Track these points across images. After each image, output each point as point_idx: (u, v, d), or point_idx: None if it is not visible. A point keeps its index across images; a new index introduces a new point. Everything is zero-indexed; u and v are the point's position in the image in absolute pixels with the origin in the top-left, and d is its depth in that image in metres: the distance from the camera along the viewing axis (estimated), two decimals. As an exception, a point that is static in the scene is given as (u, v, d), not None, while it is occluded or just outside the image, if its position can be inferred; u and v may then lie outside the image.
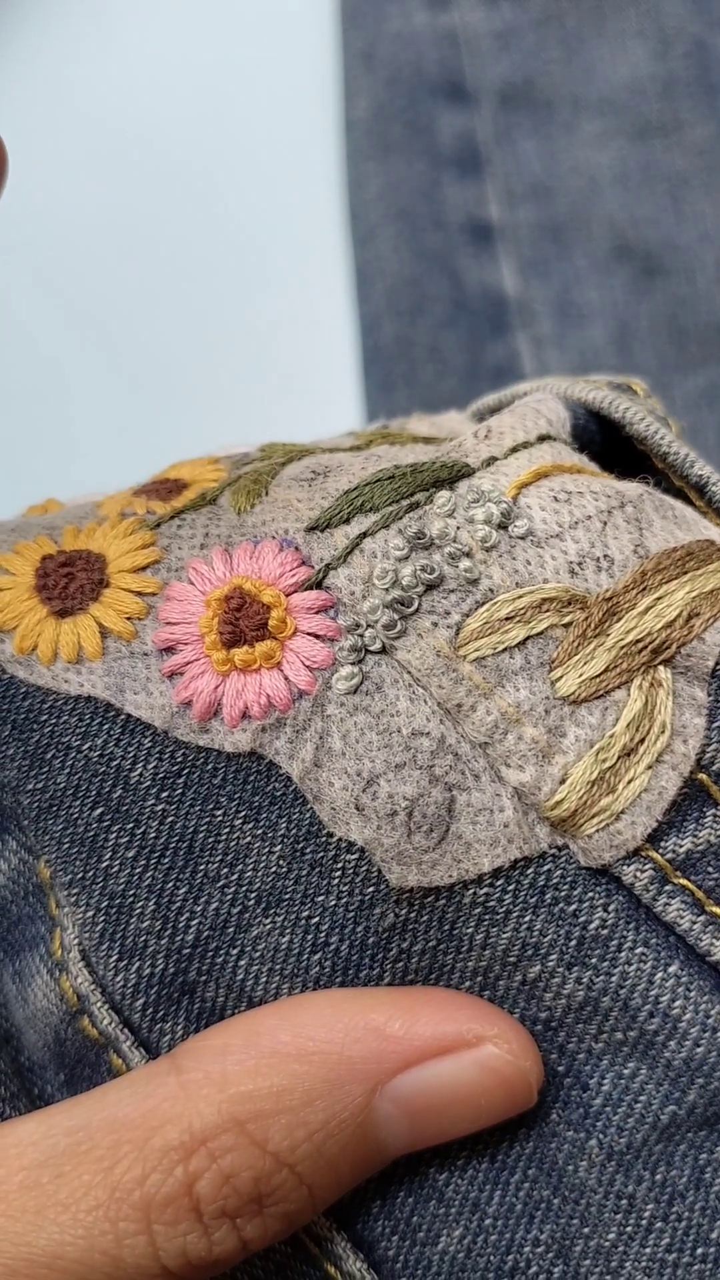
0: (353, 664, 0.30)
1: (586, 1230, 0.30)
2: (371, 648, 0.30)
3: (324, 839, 0.30)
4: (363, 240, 0.62)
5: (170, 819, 0.30)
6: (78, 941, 0.31)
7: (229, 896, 0.30)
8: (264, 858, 0.30)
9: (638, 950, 0.30)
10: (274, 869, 0.30)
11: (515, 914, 0.30)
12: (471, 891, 0.30)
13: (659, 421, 0.34)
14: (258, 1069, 0.28)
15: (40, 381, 0.61)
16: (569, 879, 0.30)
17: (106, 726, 0.31)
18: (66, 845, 0.30)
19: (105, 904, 0.30)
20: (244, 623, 0.30)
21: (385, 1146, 0.29)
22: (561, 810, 0.29)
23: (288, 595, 0.30)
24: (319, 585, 0.31)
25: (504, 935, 0.30)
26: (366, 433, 0.36)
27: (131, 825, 0.30)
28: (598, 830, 0.30)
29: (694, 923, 0.30)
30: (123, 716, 0.31)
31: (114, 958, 0.30)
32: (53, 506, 0.36)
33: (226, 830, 0.30)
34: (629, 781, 0.30)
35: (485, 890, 0.30)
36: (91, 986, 0.31)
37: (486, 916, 0.30)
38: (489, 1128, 0.30)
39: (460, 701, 0.30)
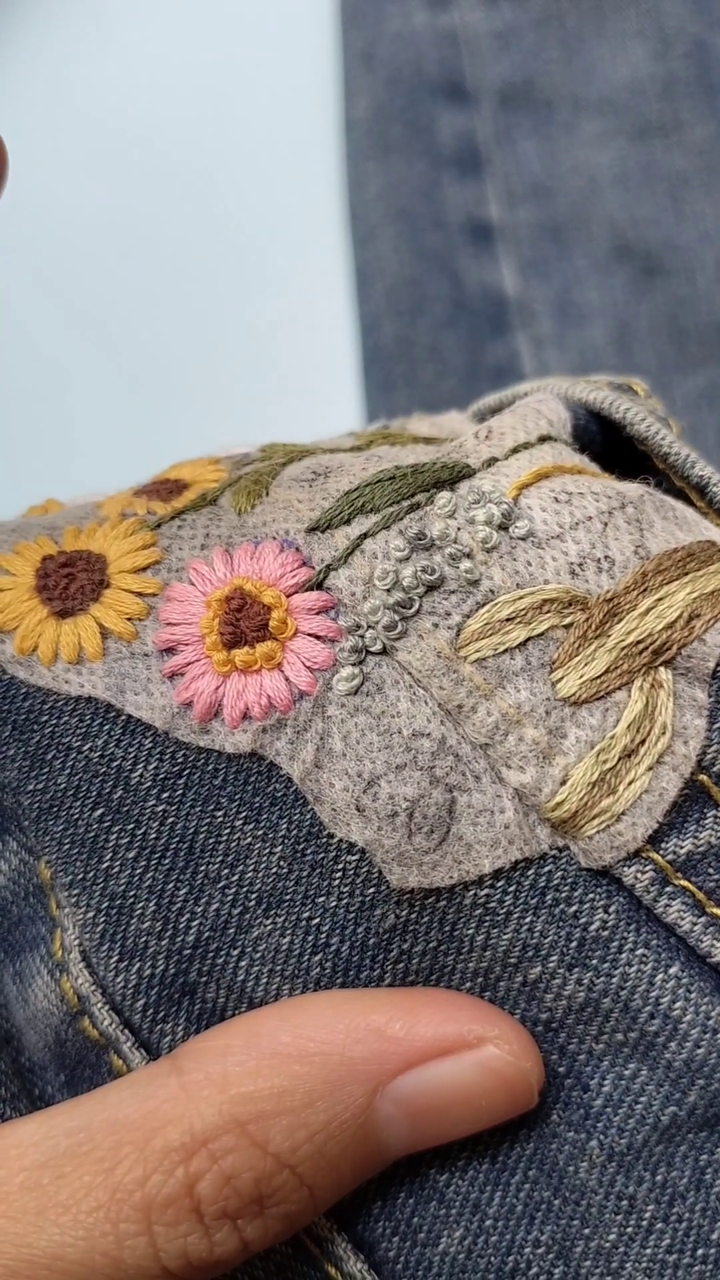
0: (353, 665, 0.30)
1: (587, 1231, 0.30)
2: (372, 649, 0.30)
3: (325, 840, 0.30)
4: (363, 240, 0.62)
5: (171, 820, 0.30)
6: (78, 942, 0.31)
7: (230, 897, 0.30)
8: (265, 859, 0.30)
9: (638, 951, 0.30)
10: (275, 870, 0.30)
11: (516, 915, 0.30)
12: (472, 893, 0.30)
13: (660, 422, 0.34)
14: (259, 1070, 0.28)
15: (40, 381, 0.61)
16: (570, 880, 0.30)
17: (107, 727, 0.31)
18: (67, 846, 0.30)
19: (106, 905, 0.30)
20: (245, 623, 0.30)
21: (386, 1147, 0.29)
22: (562, 811, 0.29)
23: (288, 596, 0.30)
24: (320, 586, 0.31)
25: (505, 936, 0.30)
26: (367, 433, 0.36)
27: (132, 826, 0.30)
28: (598, 831, 0.30)
29: (695, 924, 0.30)
30: (123, 717, 0.31)
31: (114, 958, 0.30)
32: (53, 507, 0.36)
33: (227, 831, 0.30)
34: (630, 783, 0.30)
35: (486, 891, 0.30)
36: (92, 987, 0.31)
37: (487, 918, 0.30)
38: (490, 1129, 0.30)
39: (461, 702, 0.30)
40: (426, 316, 0.61)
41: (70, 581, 0.31)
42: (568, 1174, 0.30)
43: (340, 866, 0.30)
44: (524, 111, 0.62)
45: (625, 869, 0.30)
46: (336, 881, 0.30)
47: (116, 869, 0.30)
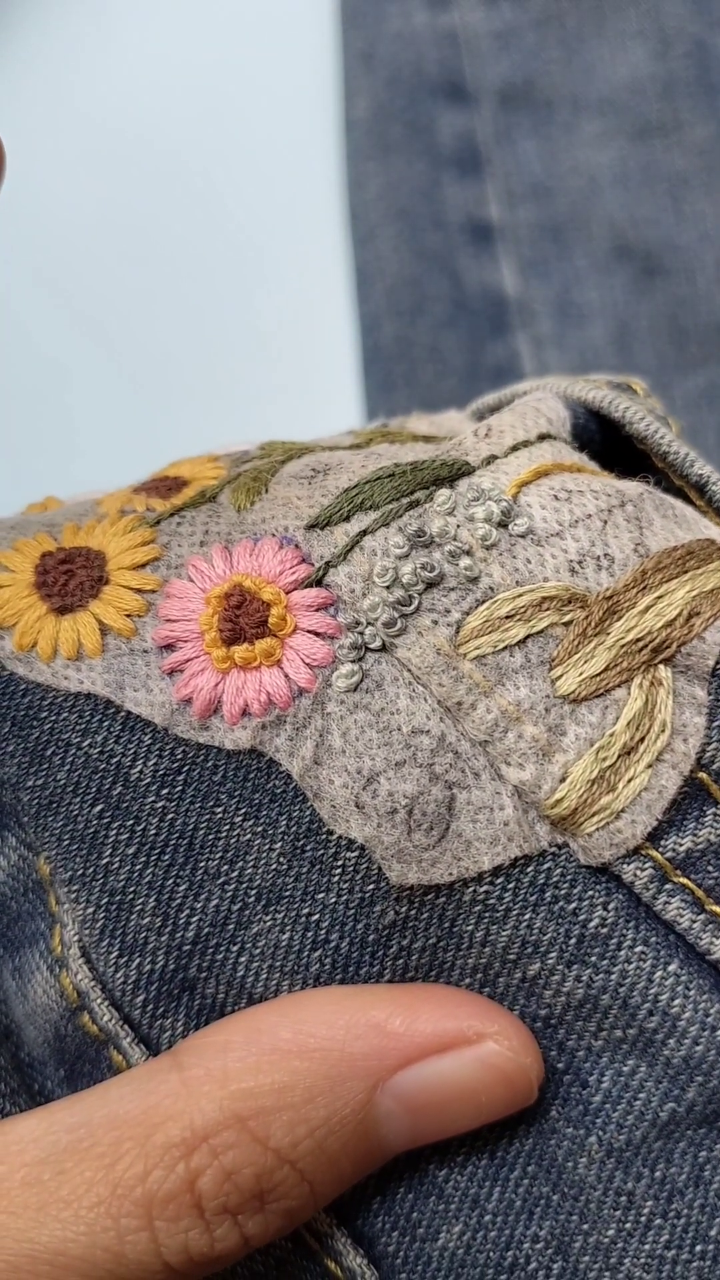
0: (353, 662, 0.30)
1: (586, 1227, 0.30)
2: (371, 645, 0.30)
3: (324, 836, 0.30)
4: (363, 240, 0.62)
5: (170, 816, 0.30)
6: (78, 938, 0.31)
7: (229, 893, 0.30)
8: (264, 855, 0.30)
9: (637, 948, 0.30)
10: (274, 866, 0.30)
11: (515, 912, 0.30)
12: (471, 889, 0.30)
13: (659, 421, 0.34)
14: (259, 1066, 0.28)
15: (40, 380, 0.61)
16: (569, 877, 0.30)
17: (106, 723, 0.31)
18: (66, 842, 0.30)
19: (105, 900, 0.30)
20: (244, 620, 0.30)
21: (386, 1143, 0.29)
22: (561, 808, 0.30)
23: (288, 593, 0.30)
24: (319, 583, 0.31)
25: (504, 933, 0.30)
26: (366, 431, 0.36)
27: (132, 822, 0.30)
28: (598, 829, 0.30)
29: (694, 921, 0.30)
30: (123, 713, 0.31)
31: (114, 954, 0.30)
32: (52, 504, 0.36)
33: (227, 827, 0.30)
34: (629, 780, 0.30)
35: (485, 888, 0.30)
36: (91, 983, 0.31)
37: (486, 914, 0.30)
38: (489, 1124, 0.30)
39: (460, 699, 0.30)
40: (426, 316, 0.61)
41: (69, 578, 0.31)
42: (566, 1170, 0.30)
43: (340, 863, 0.30)
44: (524, 111, 0.62)
45: (624, 866, 0.30)
46: (336, 878, 0.30)
47: (116, 865, 0.30)
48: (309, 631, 0.30)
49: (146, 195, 0.62)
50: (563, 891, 0.30)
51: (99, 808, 0.30)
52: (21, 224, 0.61)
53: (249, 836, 0.30)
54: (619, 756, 0.30)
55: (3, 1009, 0.33)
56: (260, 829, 0.30)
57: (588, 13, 0.63)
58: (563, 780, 0.30)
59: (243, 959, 0.30)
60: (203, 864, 0.30)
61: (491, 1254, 0.30)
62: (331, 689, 0.30)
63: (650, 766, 0.30)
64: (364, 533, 0.31)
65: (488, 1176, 0.31)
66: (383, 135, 0.62)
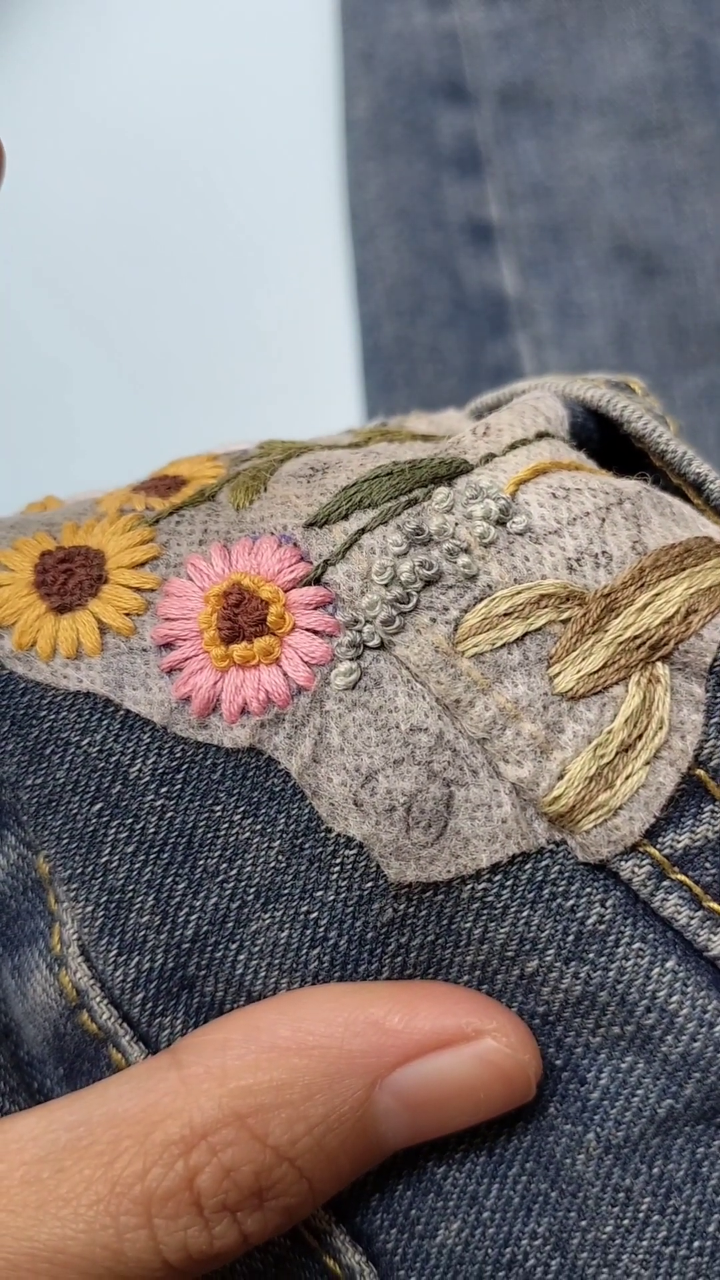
0: (351, 660, 0.30)
1: (584, 1223, 0.30)
2: (370, 644, 0.30)
3: (323, 834, 0.30)
4: (363, 240, 0.62)
5: (169, 814, 0.30)
6: (77, 936, 0.31)
7: (228, 891, 0.30)
8: (263, 853, 0.30)
9: (635, 945, 0.30)
10: (273, 864, 0.30)
11: (513, 909, 0.30)
12: (470, 887, 0.30)
13: (657, 419, 0.34)
14: (258, 1063, 0.28)
15: (40, 380, 0.61)
16: (567, 874, 0.30)
17: (105, 722, 0.31)
18: (65, 840, 0.31)
19: (104, 899, 0.30)
20: (243, 618, 0.30)
21: (385, 1140, 0.29)
22: (559, 806, 0.30)
23: (286, 591, 0.31)
24: (317, 581, 0.31)
25: (502, 930, 0.30)
26: (365, 430, 0.36)
27: (131, 820, 0.30)
28: (595, 826, 0.30)
29: (691, 918, 0.30)
30: (122, 712, 0.31)
31: (113, 953, 0.30)
32: (52, 503, 0.36)
33: (225, 825, 0.30)
34: (627, 777, 0.30)
35: (483, 885, 0.30)
36: (91, 981, 0.31)
37: (484, 911, 0.30)
38: (487, 1121, 0.30)
39: (459, 697, 0.30)
40: (426, 316, 0.61)
41: (68, 577, 0.32)
42: (565, 1166, 0.30)
43: (338, 861, 0.30)
44: (524, 111, 0.62)
45: (622, 863, 0.30)
46: (334, 876, 0.30)
47: (115, 863, 0.30)
48: (307, 630, 0.30)
49: (146, 195, 0.62)
50: (561, 888, 0.30)
51: (98, 806, 0.30)
52: (21, 224, 0.61)
53: (248, 835, 0.30)
54: (617, 754, 0.30)
55: (2, 1007, 0.33)
56: (259, 827, 0.30)
57: (588, 13, 0.63)
58: (560, 777, 0.30)
59: (241, 957, 0.30)
60: (202, 862, 0.30)
61: (490, 1251, 0.30)
62: (330, 687, 0.30)
63: (648, 764, 0.30)
64: (362, 531, 0.31)
65: (486, 1173, 0.31)
66: (383, 135, 0.62)
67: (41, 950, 0.32)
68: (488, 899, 0.30)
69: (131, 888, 0.30)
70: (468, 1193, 0.31)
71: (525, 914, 0.30)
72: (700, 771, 0.30)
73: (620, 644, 0.30)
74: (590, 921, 0.30)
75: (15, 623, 0.31)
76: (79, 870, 0.30)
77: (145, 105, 0.63)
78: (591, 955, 0.30)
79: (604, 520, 0.31)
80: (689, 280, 0.61)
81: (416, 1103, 0.29)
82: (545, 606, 0.30)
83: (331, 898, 0.30)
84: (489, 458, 0.32)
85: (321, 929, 0.30)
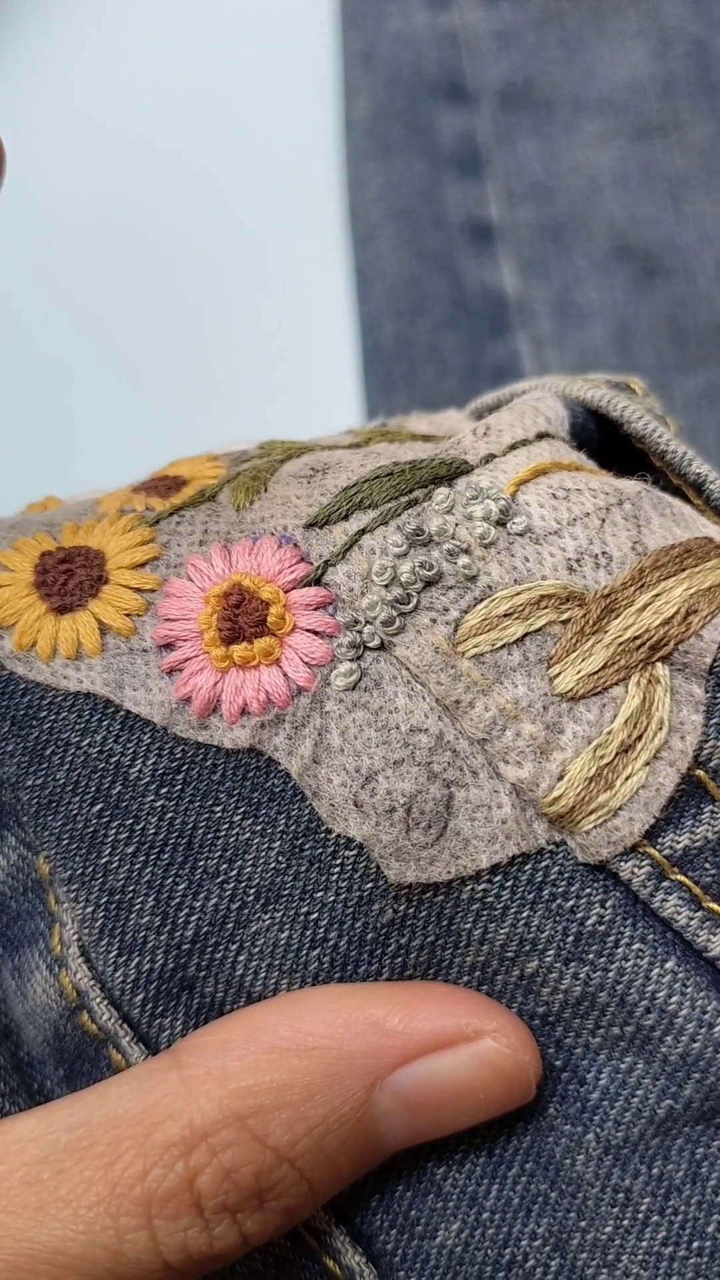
0: (351, 660, 0.30)
1: (583, 1224, 0.30)
2: (370, 644, 0.30)
3: (323, 835, 0.30)
4: (363, 240, 0.62)
5: (170, 815, 0.30)
6: (77, 937, 0.31)
7: (228, 892, 0.30)
8: (263, 854, 0.30)
9: (635, 946, 0.30)
10: (273, 865, 0.30)
11: (513, 910, 0.30)
12: (469, 887, 0.30)
13: (657, 420, 0.34)
14: (258, 1064, 0.28)
15: (40, 380, 0.61)
16: (566, 875, 0.30)
17: (106, 723, 0.31)
18: (66, 841, 0.31)
19: (104, 900, 0.30)
20: (243, 619, 0.30)
21: (384, 1141, 0.29)
22: (559, 806, 0.30)
23: (286, 592, 0.31)
24: (318, 582, 0.31)
25: (502, 931, 0.30)
26: (365, 430, 0.36)
27: (131, 821, 0.30)
28: (595, 826, 0.30)
29: (691, 919, 0.30)
30: (122, 713, 0.31)
31: (113, 953, 0.30)
32: (52, 503, 0.36)
33: (226, 826, 0.30)
34: (627, 778, 0.30)
35: (483, 886, 0.30)
36: (91, 982, 0.31)
37: (484, 912, 0.30)
38: (487, 1122, 0.30)
39: (459, 698, 0.30)
40: (426, 316, 0.61)
41: (69, 577, 0.32)
42: (564, 1167, 0.30)
43: (338, 861, 0.30)
44: (524, 111, 0.62)
45: (622, 864, 0.30)
46: (334, 876, 0.30)
47: (115, 864, 0.30)
48: (307, 630, 0.30)
49: (146, 195, 0.62)
50: (560, 889, 0.30)
51: (98, 807, 0.30)
52: (21, 224, 0.61)
53: (248, 835, 0.30)
54: (617, 754, 0.30)
55: (2, 1008, 0.33)
56: (259, 828, 0.30)
57: (588, 13, 0.63)
58: (560, 778, 0.30)
59: (241, 958, 0.30)
60: (202, 863, 0.30)
61: (489, 1251, 0.30)
62: (330, 688, 0.30)
63: (648, 764, 0.30)
64: (363, 531, 0.31)
65: (486, 1174, 0.31)
66: (383, 135, 0.62)
67: (42, 951, 0.32)
68: (487, 900, 0.30)
69: (132, 888, 0.30)
70: (467, 1193, 0.31)
71: (525, 915, 0.30)
72: (700, 772, 0.30)
73: (620, 645, 0.30)
74: (590, 922, 0.30)
75: (15, 623, 0.31)
76: (79, 871, 0.30)
77: (145, 105, 0.63)
78: (591, 956, 0.30)
79: (604, 521, 0.31)
80: (689, 280, 0.61)
81: (416, 1103, 0.29)
82: (545, 607, 0.30)
83: (331, 898, 0.30)
84: (489, 458, 0.32)
85: (321, 930, 0.30)
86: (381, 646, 0.30)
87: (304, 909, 0.30)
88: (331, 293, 0.62)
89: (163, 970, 0.30)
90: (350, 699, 0.30)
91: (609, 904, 0.30)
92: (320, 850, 0.30)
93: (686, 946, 0.30)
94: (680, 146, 0.62)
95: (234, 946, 0.30)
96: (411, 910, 0.30)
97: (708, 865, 0.30)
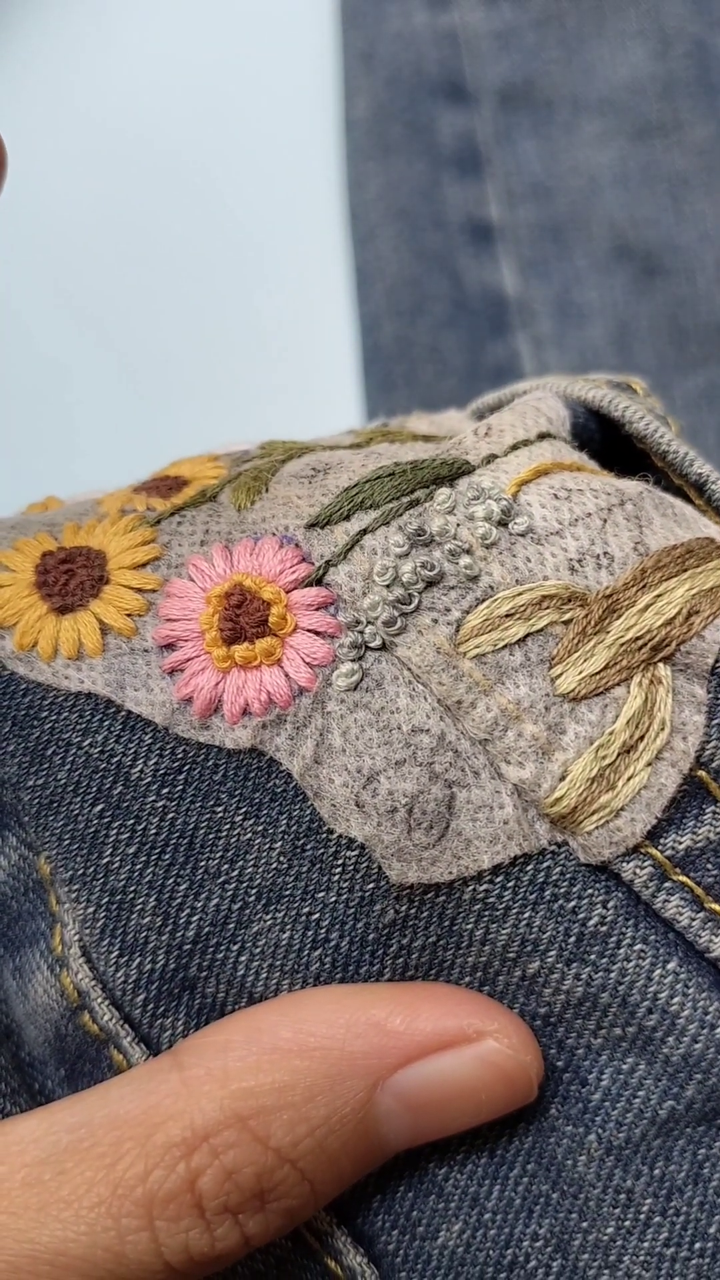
0: (353, 661, 0.30)
1: (585, 1224, 0.30)
2: (372, 644, 0.30)
3: (324, 835, 0.30)
4: (363, 240, 0.62)
5: (171, 815, 0.30)
6: (78, 937, 0.31)
7: (230, 893, 0.30)
8: (264, 854, 0.30)
9: (637, 947, 0.30)
10: (274, 865, 0.30)
11: (515, 910, 0.30)
12: (471, 888, 0.30)
13: (658, 420, 0.34)
14: (259, 1065, 0.28)
15: (41, 380, 0.61)
16: (568, 876, 0.30)
17: (107, 723, 0.31)
18: (67, 841, 0.30)
19: (106, 900, 0.30)
20: (244, 619, 0.30)
21: (386, 1141, 0.29)
22: (561, 807, 0.30)
23: (288, 592, 0.31)
24: (319, 582, 0.31)
25: (504, 931, 0.30)
26: (366, 430, 0.36)
27: (132, 821, 0.30)
28: (597, 827, 0.30)
29: (693, 919, 0.30)
30: (123, 713, 0.31)
31: (115, 953, 0.30)
32: (53, 504, 0.36)
33: (227, 826, 0.30)
34: (629, 778, 0.30)
35: (485, 887, 0.30)
36: (92, 982, 0.31)
37: (486, 913, 0.30)
38: (488, 1123, 0.30)
39: (460, 698, 0.30)
40: (426, 316, 0.61)
41: (70, 578, 0.32)
42: (566, 1168, 0.30)
43: (340, 862, 0.30)
44: (524, 111, 0.62)
45: (624, 864, 0.30)
46: (336, 877, 0.30)
47: (116, 864, 0.30)
48: (309, 630, 0.30)
49: (146, 195, 0.62)
50: (562, 890, 0.30)
51: (99, 807, 0.30)
52: (21, 224, 0.61)
53: (249, 836, 0.30)
54: (619, 755, 0.30)
55: (3, 1008, 0.33)
56: (261, 828, 0.30)
57: (588, 13, 0.63)
58: (562, 778, 0.30)
59: (243, 958, 0.30)
60: (203, 863, 0.30)
61: (491, 1252, 0.30)
62: (332, 688, 0.30)
63: (650, 765, 0.30)
64: (364, 531, 0.31)
65: (487, 1175, 0.31)
66: (383, 135, 0.62)
67: (43, 951, 0.32)
68: (489, 900, 0.30)
69: (133, 889, 0.30)
70: (469, 1194, 0.31)
71: (527, 915, 0.30)
72: (702, 773, 0.30)
73: (622, 645, 0.30)
74: (592, 923, 0.30)
75: (16, 623, 0.31)
76: (80, 871, 0.30)
77: (145, 105, 0.63)
78: (593, 957, 0.30)
79: (606, 521, 0.31)
80: (689, 280, 0.61)
81: (418, 1104, 0.29)
82: (547, 607, 0.30)
83: (333, 899, 0.30)
84: (491, 458, 0.32)
85: (323, 930, 0.30)
86: (383, 647, 0.30)
87: (305, 909, 0.30)
88: (331, 293, 0.62)
89: (164, 970, 0.30)
90: (352, 699, 0.30)
91: (611, 905, 0.30)
92: (322, 851, 0.30)
93: (688, 947, 0.30)
94: (680, 146, 0.62)
95: (235, 947, 0.30)
96: (413, 911, 0.30)
97: (709, 866, 0.30)
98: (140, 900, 0.30)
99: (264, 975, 0.30)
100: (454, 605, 0.30)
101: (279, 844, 0.30)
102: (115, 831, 0.30)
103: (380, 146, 0.62)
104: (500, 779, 0.30)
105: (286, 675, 0.30)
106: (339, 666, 0.30)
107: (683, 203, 0.61)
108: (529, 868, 0.30)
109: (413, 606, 0.30)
